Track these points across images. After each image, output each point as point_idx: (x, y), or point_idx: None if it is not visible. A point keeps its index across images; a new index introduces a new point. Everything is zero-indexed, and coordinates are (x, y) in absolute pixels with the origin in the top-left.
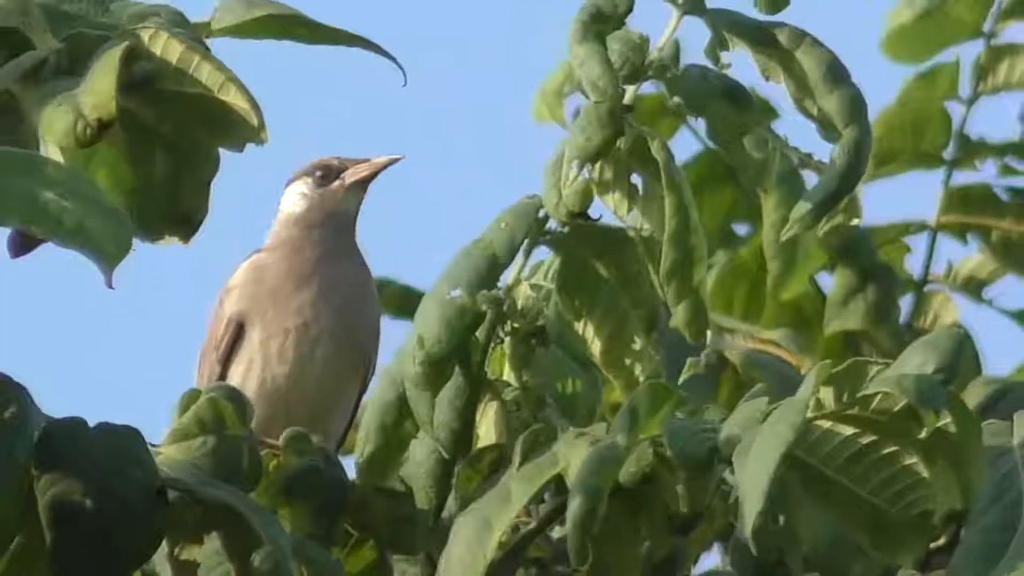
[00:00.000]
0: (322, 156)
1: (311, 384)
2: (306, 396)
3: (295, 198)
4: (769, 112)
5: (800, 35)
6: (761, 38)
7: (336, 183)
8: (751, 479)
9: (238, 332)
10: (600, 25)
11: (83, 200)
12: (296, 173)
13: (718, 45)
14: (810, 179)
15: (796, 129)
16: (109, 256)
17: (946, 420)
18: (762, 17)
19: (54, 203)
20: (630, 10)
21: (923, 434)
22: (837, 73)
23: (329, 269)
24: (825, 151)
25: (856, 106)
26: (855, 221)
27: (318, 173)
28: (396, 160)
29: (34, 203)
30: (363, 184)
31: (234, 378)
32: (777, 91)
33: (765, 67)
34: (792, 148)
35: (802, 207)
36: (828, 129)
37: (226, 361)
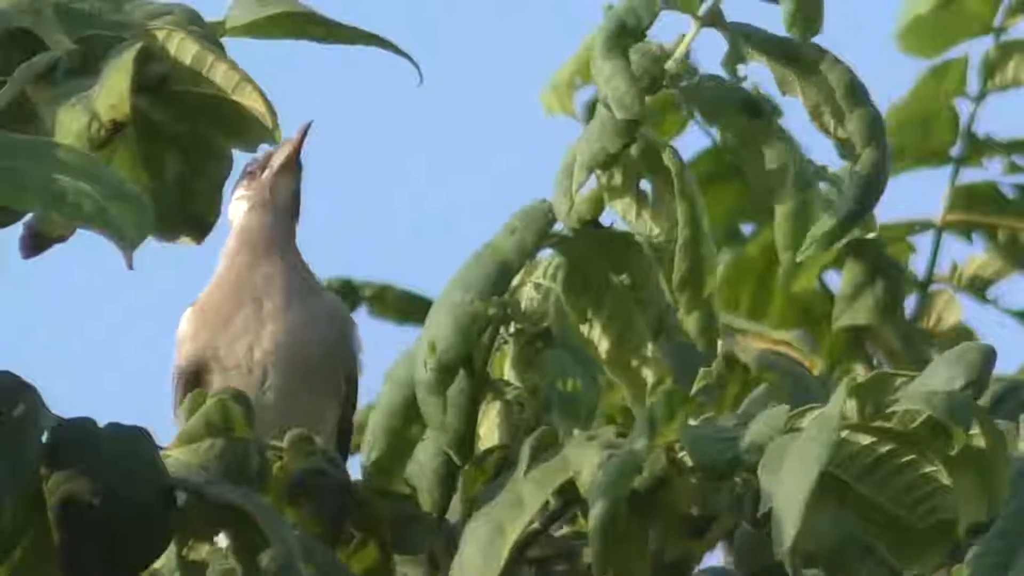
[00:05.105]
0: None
1: (275, 415)
2: (274, 428)
3: (236, 205)
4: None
5: (821, 51)
6: (781, 52)
7: (264, 174)
8: (785, 503)
9: (196, 384)
10: (624, 39)
11: (102, 184)
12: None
13: (736, 58)
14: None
15: (806, 139)
16: (129, 239)
17: (973, 433)
18: (781, 32)
19: (73, 188)
20: (652, 23)
21: (953, 451)
22: (857, 92)
23: (261, 278)
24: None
25: (875, 127)
26: (871, 235)
27: (247, 170)
28: (307, 128)
29: (54, 189)
30: (289, 166)
31: None
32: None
33: (783, 81)
34: (807, 160)
35: (820, 228)
36: (845, 148)
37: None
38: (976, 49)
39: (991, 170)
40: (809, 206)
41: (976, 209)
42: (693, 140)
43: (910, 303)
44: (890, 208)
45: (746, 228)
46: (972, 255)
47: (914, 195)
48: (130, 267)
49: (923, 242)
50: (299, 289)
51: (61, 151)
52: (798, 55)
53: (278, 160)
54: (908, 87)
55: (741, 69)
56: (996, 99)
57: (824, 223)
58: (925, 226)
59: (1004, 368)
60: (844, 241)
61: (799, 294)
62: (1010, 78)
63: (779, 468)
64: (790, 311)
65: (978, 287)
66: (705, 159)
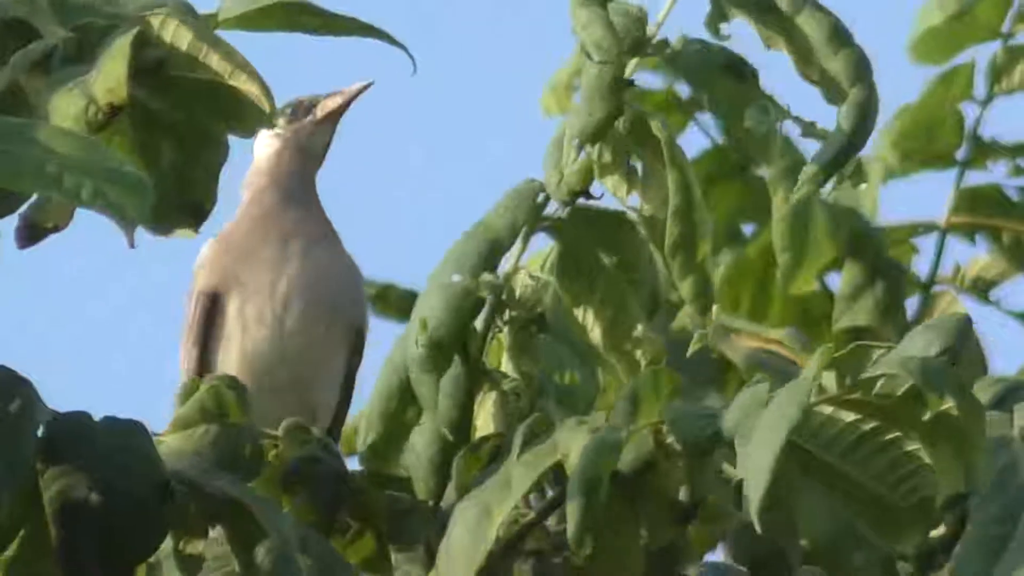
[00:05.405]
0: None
1: (291, 344)
2: (287, 358)
3: (267, 139)
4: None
5: (800, 0)
6: (761, 6)
7: (307, 118)
8: (755, 459)
9: (212, 308)
10: None
11: (99, 165)
12: None
13: (718, 16)
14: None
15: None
16: (129, 219)
17: (949, 404)
18: None
19: (70, 170)
20: None
21: (927, 416)
22: (840, 35)
23: (290, 219)
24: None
25: (862, 65)
26: (863, 186)
27: (288, 110)
28: (367, 87)
29: (50, 171)
30: (335, 117)
31: (216, 356)
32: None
33: (766, 36)
34: (795, 117)
35: (811, 167)
36: (833, 92)
37: (205, 343)
38: (984, 54)
39: (996, 173)
40: (808, 208)
41: (980, 211)
42: (694, 141)
43: (912, 304)
44: (895, 210)
45: (747, 229)
46: (975, 257)
47: (919, 197)
48: (132, 246)
49: (927, 244)
50: (322, 234)
51: (57, 133)
52: (777, 7)
53: (326, 108)
54: (918, 94)
55: (724, 28)
56: (1003, 103)
57: (815, 162)
58: (929, 228)
59: (1006, 369)
60: (845, 237)
61: (800, 295)
62: (1017, 82)
63: (750, 435)
64: (790, 312)
65: (981, 289)
66: (706, 160)
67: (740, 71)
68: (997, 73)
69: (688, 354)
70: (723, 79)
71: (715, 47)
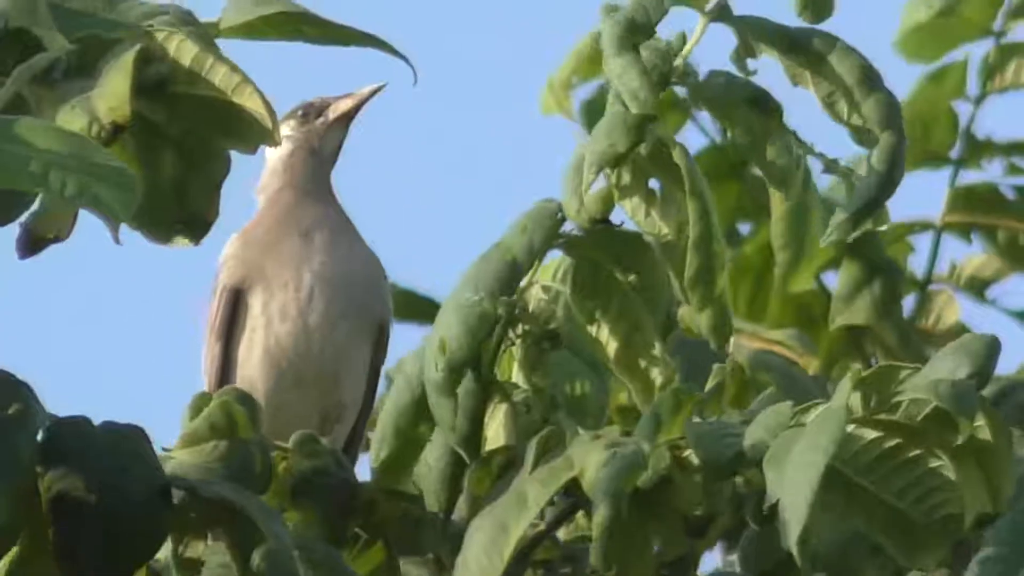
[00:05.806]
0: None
1: (315, 338)
2: (312, 353)
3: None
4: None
5: (831, 41)
6: (791, 44)
7: (319, 120)
8: (793, 492)
9: (235, 303)
10: (634, 36)
11: (85, 161)
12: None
13: (745, 53)
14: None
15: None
16: (114, 215)
17: (977, 425)
18: (792, 24)
19: (57, 167)
20: (661, 19)
21: (959, 440)
22: (871, 78)
23: (309, 215)
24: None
25: (893, 111)
26: (883, 227)
27: (300, 112)
28: (378, 90)
29: (37, 168)
30: (346, 120)
31: (239, 351)
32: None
33: (794, 73)
34: (818, 153)
35: (841, 214)
36: (861, 134)
37: (228, 338)
38: (976, 52)
39: (990, 171)
40: (806, 206)
41: (975, 210)
42: (691, 139)
43: (909, 303)
44: (890, 208)
45: (743, 228)
46: (971, 255)
47: (914, 196)
48: (117, 242)
49: (923, 242)
50: (343, 229)
51: (44, 130)
52: (809, 46)
53: (337, 111)
54: (908, 90)
55: (750, 63)
56: (996, 101)
57: (849, 206)
58: (924, 226)
59: (1003, 368)
60: (858, 232)
61: (797, 294)
62: (1010, 80)
63: (785, 461)
64: (787, 311)
65: (977, 287)
66: (703, 158)
67: (764, 104)
68: (990, 71)
69: (707, 388)
70: (748, 112)
71: (740, 79)
